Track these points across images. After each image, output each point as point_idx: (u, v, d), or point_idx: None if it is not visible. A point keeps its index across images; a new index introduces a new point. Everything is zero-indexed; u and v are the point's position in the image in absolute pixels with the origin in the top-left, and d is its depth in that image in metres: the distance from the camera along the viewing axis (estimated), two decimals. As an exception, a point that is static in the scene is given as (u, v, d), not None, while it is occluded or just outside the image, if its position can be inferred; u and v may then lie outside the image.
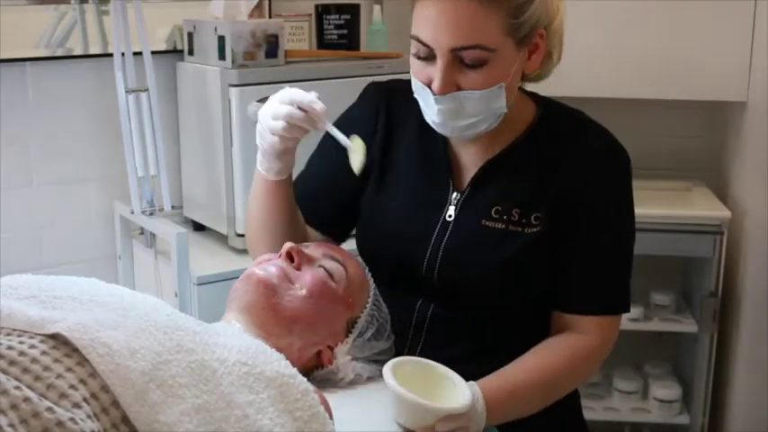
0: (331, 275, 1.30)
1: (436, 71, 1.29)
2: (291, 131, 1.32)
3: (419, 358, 1.28)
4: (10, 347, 0.93)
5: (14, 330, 0.98)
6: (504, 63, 1.29)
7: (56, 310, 1.03)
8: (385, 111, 1.48)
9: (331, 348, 1.30)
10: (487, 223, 1.37)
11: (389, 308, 1.38)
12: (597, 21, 2.54)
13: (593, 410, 2.64)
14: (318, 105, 1.32)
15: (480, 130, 1.35)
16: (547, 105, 1.44)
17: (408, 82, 1.38)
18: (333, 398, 1.21)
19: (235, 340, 1.11)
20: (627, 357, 2.79)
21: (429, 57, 1.30)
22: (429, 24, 1.28)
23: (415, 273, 1.39)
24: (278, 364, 1.10)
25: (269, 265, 1.29)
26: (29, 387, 0.89)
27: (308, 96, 1.32)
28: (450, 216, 1.40)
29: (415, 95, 1.36)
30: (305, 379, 1.11)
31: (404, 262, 1.40)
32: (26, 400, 0.87)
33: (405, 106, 1.44)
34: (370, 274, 1.39)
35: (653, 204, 2.49)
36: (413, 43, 1.32)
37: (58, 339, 0.96)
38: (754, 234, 2.49)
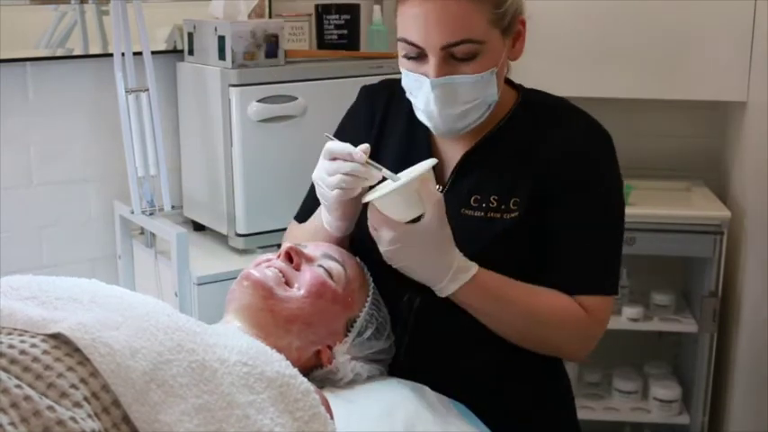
0: (330, 275, 1.31)
1: (429, 68, 1.31)
2: (349, 183, 1.30)
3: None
4: (11, 346, 0.93)
5: (15, 330, 0.98)
6: (493, 53, 1.33)
7: (57, 310, 1.03)
8: (380, 109, 1.50)
9: (330, 348, 1.30)
10: (467, 212, 1.38)
11: None
12: (597, 20, 2.54)
13: (593, 410, 2.63)
14: (356, 154, 1.30)
15: (471, 121, 1.36)
16: (526, 93, 1.45)
17: (398, 81, 1.40)
18: (333, 397, 1.21)
19: (235, 341, 1.11)
20: (627, 357, 2.79)
21: (420, 56, 1.32)
22: (416, 25, 1.30)
23: None
24: (278, 365, 1.10)
25: (265, 267, 1.29)
26: (30, 386, 0.89)
27: (342, 147, 1.31)
28: None
29: (408, 93, 1.38)
30: (305, 379, 1.11)
31: None
32: (27, 398, 0.87)
33: (395, 105, 1.48)
34: (369, 274, 1.39)
35: (653, 204, 2.49)
36: (401, 45, 1.34)
37: (59, 339, 0.96)
38: (754, 234, 2.49)
